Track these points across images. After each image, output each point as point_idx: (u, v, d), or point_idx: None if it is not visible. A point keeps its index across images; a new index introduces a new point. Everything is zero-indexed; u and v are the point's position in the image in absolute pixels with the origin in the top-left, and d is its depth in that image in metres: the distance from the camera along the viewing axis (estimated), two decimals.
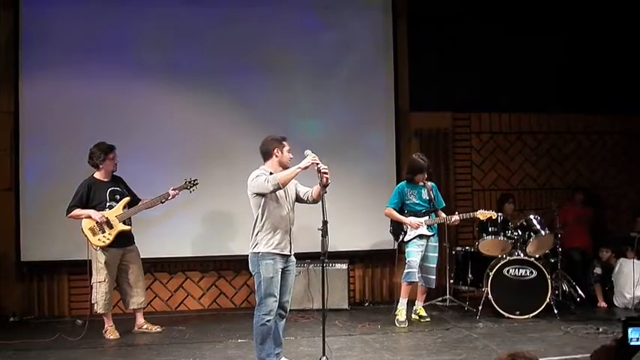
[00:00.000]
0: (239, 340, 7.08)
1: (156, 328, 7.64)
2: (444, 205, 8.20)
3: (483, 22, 9.59)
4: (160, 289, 8.97)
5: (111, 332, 7.37)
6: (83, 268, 7.58)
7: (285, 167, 5.85)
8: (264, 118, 8.75)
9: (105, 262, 7.30)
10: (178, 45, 8.89)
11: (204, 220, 8.87)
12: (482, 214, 7.96)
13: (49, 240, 8.36)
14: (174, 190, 7.55)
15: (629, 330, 2.67)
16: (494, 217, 8.03)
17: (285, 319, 5.92)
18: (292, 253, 5.85)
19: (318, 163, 5.59)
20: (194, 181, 7.68)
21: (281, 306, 5.82)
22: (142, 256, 7.82)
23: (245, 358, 6.29)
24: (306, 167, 5.63)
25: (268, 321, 5.64)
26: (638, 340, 2.69)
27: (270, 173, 5.73)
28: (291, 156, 5.91)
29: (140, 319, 7.67)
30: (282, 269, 5.73)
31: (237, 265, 8.89)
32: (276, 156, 5.83)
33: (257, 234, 5.71)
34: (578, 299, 8.84)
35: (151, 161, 8.67)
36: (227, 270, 9.09)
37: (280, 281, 5.73)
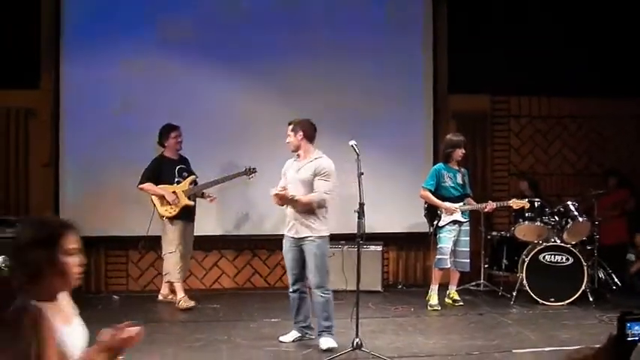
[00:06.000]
0: (272, 320, 7.14)
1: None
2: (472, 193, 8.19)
3: (524, 5, 9.44)
4: (195, 267, 9.02)
5: (185, 301, 7.68)
6: (120, 244, 7.79)
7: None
8: (305, 99, 8.66)
9: (175, 234, 7.75)
10: (221, 24, 8.88)
11: (240, 198, 8.89)
12: (515, 203, 7.91)
13: (87, 216, 8.39)
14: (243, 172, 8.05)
15: (627, 325, 2.45)
16: (526, 208, 7.99)
17: None
18: None
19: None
20: (253, 169, 8.03)
21: None
22: None
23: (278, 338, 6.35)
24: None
25: None
26: (635, 335, 2.46)
27: None
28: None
29: (166, 290, 8.06)
30: None
31: (271, 244, 8.86)
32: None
33: (323, 218, 6.13)
34: (614, 287, 8.71)
35: (194, 141, 8.70)
36: (261, 249, 9.12)
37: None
